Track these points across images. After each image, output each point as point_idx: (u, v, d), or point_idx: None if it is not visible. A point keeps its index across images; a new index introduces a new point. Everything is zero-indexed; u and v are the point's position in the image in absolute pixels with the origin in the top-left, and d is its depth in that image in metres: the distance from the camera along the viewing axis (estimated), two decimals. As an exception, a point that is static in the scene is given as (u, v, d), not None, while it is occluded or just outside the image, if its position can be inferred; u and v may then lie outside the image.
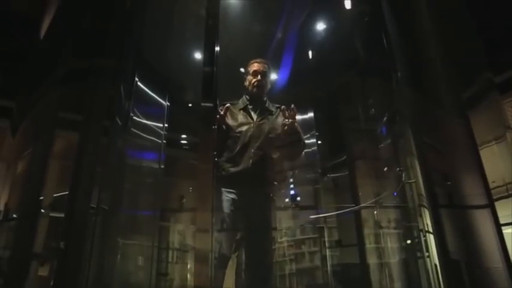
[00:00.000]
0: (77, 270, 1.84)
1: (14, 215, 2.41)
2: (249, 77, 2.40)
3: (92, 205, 2.12)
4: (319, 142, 3.45)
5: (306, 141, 2.67)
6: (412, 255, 2.87)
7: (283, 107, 2.33)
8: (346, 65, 3.39)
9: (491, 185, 2.03)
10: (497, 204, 1.97)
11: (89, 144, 2.30)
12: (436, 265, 2.47)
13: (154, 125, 2.96)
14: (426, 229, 2.51)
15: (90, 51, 2.44)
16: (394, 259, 3.07)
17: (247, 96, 2.41)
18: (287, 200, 3.44)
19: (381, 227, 3.17)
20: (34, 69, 2.78)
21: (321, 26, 3.42)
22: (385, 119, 3.31)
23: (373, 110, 3.45)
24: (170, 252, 3.51)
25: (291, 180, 3.44)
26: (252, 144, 2.24)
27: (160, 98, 3.09)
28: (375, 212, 3.22)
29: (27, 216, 2.33)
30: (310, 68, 3.53)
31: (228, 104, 2.27)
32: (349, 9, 3.22)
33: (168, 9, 2.95)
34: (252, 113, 2.36)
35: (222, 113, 2.24)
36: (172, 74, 3.18)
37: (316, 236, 3.45)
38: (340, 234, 3.40)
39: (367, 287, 3.08)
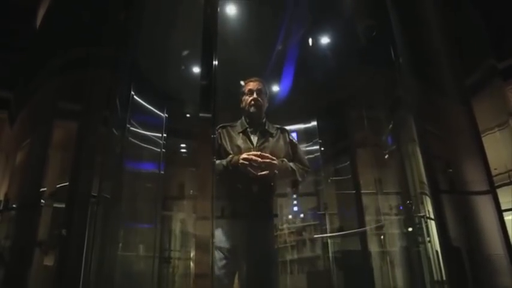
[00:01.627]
0: (79, 258, 1.84)
1: (14, 205, 2.42)
2: (245, 97, 2.32)
3: (93, 193, 2.13)
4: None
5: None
6: (413, 242, 2.87)
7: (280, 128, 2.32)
8: (348, 52, 3.36)
9: (493, 172, 2.02)
10: (499, 191, 1.96)
11: (89, 133, 2.28)
12: (437, 252, 2.47)
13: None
14: (427, 215, 2.50)
15: (89, 40, 2.42)
16: (395, 246, 3.08)
17: (246, 119, 2.32)
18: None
19: (382, 214, 3.17)
20: (32, 59, 2.77)
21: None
22: (386, 106, 3.29)
23: (374, 97, 3.43)
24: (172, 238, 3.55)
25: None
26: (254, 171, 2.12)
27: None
28: (377, 199, 3.21)
29: (28, 206, 2.33)
30: (310, 56, 3.49)
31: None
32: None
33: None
34: (252, 137, 2.27)
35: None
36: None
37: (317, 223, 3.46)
38: (341, 222, 3.41)
39: (368, 273, 3.09)
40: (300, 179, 2.25)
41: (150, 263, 2.94)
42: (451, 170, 2.08)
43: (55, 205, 2.31)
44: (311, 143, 3.55)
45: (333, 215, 3.45)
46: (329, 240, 3.33)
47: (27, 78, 2.70)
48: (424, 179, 2.58)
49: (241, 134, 2.26)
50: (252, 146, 2.21)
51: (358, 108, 3.53)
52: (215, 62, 2.18)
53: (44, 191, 2.29)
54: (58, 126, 2.41)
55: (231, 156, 2.14)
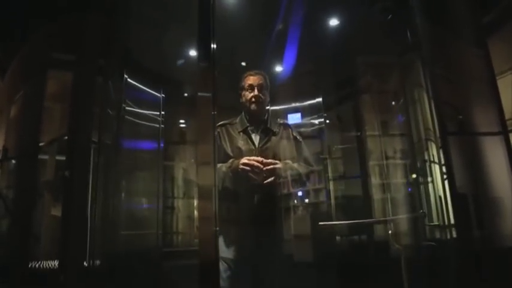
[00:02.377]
0: (83, 201, 1.84)
1: (15, 155, 2.40)
2: (245, 93, 2.10)
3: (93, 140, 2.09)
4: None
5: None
6: (417, 187, 2.88)
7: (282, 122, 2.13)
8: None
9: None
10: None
11: (84, 80, 2.19)
12: (440, 197, 2.49)
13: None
14: (432, 159, 2.49)
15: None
16: (399, 191, 3.11)
17: (246, 116, 2.12)
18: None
19: (386, 158, 3.17)
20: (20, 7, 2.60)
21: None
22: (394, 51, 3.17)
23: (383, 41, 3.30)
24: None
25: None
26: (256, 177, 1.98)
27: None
28: (381, 142, 3.19)
29: (29, 154, 2.30)
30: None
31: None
32: None
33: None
34: (253, 136, 2.08)
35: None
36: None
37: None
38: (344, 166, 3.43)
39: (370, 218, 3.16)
40: (305, 180, 2.10)
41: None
42: (461, 114, 2.03)
43: (57, 153, 2.30)
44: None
45: (336, 160, 3.45)
46: (331, 187, 3.36)
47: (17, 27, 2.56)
48: (430, 126, 2.55)
49: (241, 134, 2.08)
50: (254, 147, 2.04)
51: (364, 53, 3.41)
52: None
53: (47, 138, 2.27)
54: (53, 76, 2.33)
55: (231, 161, 1.97)
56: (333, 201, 3.33)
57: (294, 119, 3.70)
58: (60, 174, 2.11)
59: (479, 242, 1.82)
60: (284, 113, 3.59)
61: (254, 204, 1.93)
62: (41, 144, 2.31)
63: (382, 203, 3.15)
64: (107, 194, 2.27)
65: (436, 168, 2.55)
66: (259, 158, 1.91)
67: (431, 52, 2.31)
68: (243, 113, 2.13)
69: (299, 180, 2.04)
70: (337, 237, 3.30)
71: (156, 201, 3.04)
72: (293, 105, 3.63)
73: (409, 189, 3.02)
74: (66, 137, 2.13)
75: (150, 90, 3.16)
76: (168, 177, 3.59)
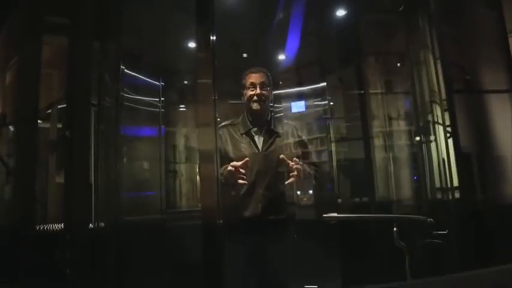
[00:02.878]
0: (85, 164, 1.84)
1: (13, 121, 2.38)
2: (247, 91, 2.02)
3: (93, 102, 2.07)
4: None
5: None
6: (420, 149, 2.88)
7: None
8: None
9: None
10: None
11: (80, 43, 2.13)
12: (444, 160, 2.48)
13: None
14: (436, 120, 2.46)
15: None
16: (402, 151, 3.10)
17: (249, 117, 2.04)
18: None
19: (389, 119, 3.13)
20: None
21: None
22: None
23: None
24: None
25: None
26: (259, 183, 1.91)
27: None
28: (383, 104, 3.15)
29: (28, 118, 2.29)
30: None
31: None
32: None
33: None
34: (257, 138, 2.00)
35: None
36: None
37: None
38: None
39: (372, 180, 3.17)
40: (314, 182, 2.02)
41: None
42: (468, 73, 1.98)
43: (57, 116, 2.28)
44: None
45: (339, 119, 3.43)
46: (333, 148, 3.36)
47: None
48: (436, 87, 2.50)
49: (244, 136, 2.01)
50: (257, 151, 1.97)
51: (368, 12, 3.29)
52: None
53: (46, 103, 2.24)
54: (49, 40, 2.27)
55: (223, 167, 1.86)
56: (334, 163, 3.34)
57: (298, 107, 3.63)
58: (61, 136, 2.11)
59: (482, 201, 1.83)
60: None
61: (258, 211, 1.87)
62: (40, 108, 2.29)
63: (385, 165, 3.15)
64: (108, 157, 2.28)
65: (440, 130, 2.53)
66: (245, 160, 1.81)
67: (439, 10, 2.23)
68: (245, 113, 2.06)
69: (309, 181, 1.98)
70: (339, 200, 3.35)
71: (158, 165, 3.06)
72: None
73: (413, 152, 3.02)
74: (64, 101, 2.10)
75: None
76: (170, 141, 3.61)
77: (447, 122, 2.17)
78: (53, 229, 2.07)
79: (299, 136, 2.09)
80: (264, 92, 1.99)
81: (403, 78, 3.09)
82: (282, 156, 1.83)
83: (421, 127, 2.79)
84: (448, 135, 2.09)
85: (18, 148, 2.42)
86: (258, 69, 2.04)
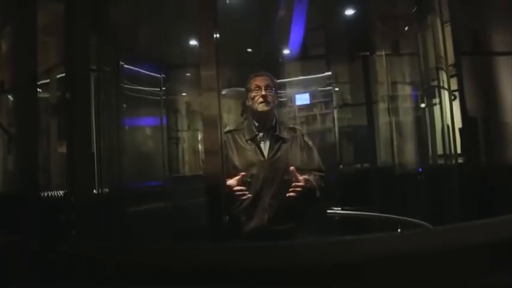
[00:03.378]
0: (87, 130, 1.83)
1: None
2: (252, 94, 1.96)
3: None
4: None
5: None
6: (425, 116, 2.85)
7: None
8: None
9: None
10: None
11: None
12: (448, 126, 2.46)
13: None
14: (442, 85, 2.42)
15: None
16: (408, 115, 3.08)
17: (254, 122, 1.98)
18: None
19: (394, 84, 3.09)
20: None
21: None
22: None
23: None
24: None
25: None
26: (266, 191, 1.86)
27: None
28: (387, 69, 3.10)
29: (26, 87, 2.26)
30: None
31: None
32: None
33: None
34: (262, 145, 1.95)
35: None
36: None
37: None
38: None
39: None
40: (318, 194, 1.92)
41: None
42: (477, 35, 1.92)
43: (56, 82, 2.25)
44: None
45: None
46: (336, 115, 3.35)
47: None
48: (442, 53, 2.44)
49: (249, 142, 1.96)
50: (263, 158, 1.92)
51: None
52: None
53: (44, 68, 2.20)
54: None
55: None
56: (336, 129, 3.33)
57: (302, 99, 3.57)
58: (61, 98, 2.09)
59: (487, 167, 1.82)
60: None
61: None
62: (38, 74, 2.26)
63: (389, 131, 3.13)
64: (110, 124, 2.27)
65: (445, 96, 2.49)
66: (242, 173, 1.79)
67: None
68: (250, 118, 2.01)
69: (312, 196, 1.87)
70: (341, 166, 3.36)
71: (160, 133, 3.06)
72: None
73: (417, 117, 2.99)
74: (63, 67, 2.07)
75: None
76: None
77: (453, 87, 2.13)
78: (57, 195, 2.09)
79: (305, 142, 2.02)
80: (269, 93, 1.95)
81: (409, 42, 3.02)
82: (292, 168, 1.78)
83: (427, 93, 2.75)
84: (453, 97, 2.06)
85: (18, 115, 2.41)
86: (263, 73, 2.01)
